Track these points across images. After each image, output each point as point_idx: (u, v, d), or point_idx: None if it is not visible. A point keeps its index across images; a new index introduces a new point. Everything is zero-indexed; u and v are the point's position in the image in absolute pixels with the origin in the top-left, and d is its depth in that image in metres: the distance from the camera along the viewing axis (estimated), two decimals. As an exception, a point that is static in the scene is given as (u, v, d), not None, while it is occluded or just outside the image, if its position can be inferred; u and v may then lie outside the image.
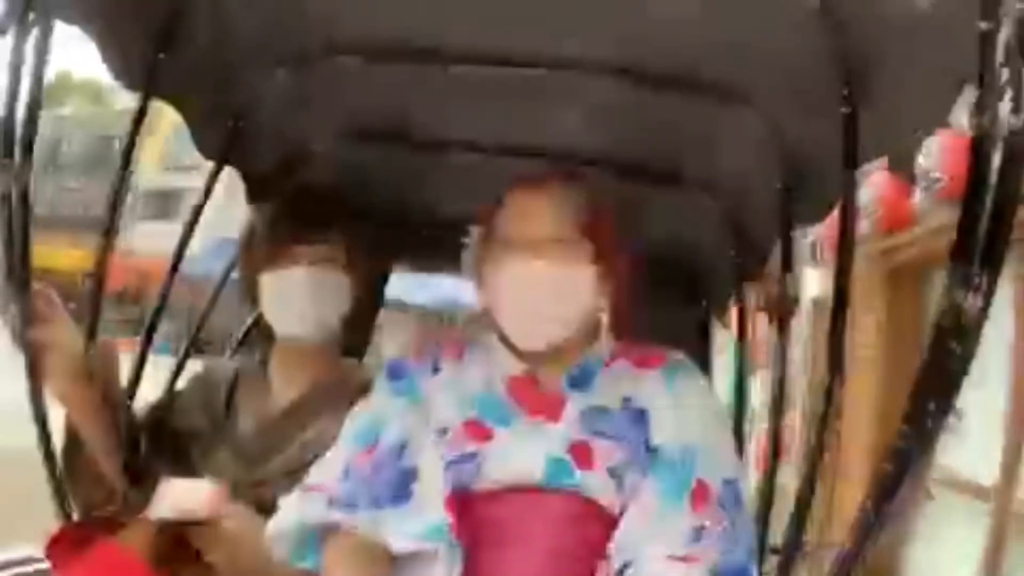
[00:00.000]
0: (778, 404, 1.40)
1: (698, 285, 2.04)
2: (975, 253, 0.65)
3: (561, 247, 1.04)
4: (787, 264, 1.50)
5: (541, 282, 1.03)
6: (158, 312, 1.49)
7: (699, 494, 0.98)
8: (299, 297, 1.29)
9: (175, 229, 1.73)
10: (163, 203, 20.88)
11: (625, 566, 0.95)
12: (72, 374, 1.17)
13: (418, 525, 0.96)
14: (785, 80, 1.26)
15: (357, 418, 1.10)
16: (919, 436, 0.69)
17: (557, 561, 0.99)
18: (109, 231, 1.28)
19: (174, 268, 1.56)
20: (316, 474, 1.06)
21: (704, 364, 2.00)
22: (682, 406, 1.05)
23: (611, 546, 0.97)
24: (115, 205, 1.29)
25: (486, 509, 1.01)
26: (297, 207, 1.36)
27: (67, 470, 1.24)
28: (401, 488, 1.00)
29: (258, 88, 1.49)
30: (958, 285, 0.66)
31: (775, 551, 1.22)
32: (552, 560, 0.99)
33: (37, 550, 1.24)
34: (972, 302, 0.66)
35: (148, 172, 20.46)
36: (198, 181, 1.69)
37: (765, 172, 1.43)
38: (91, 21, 1.14)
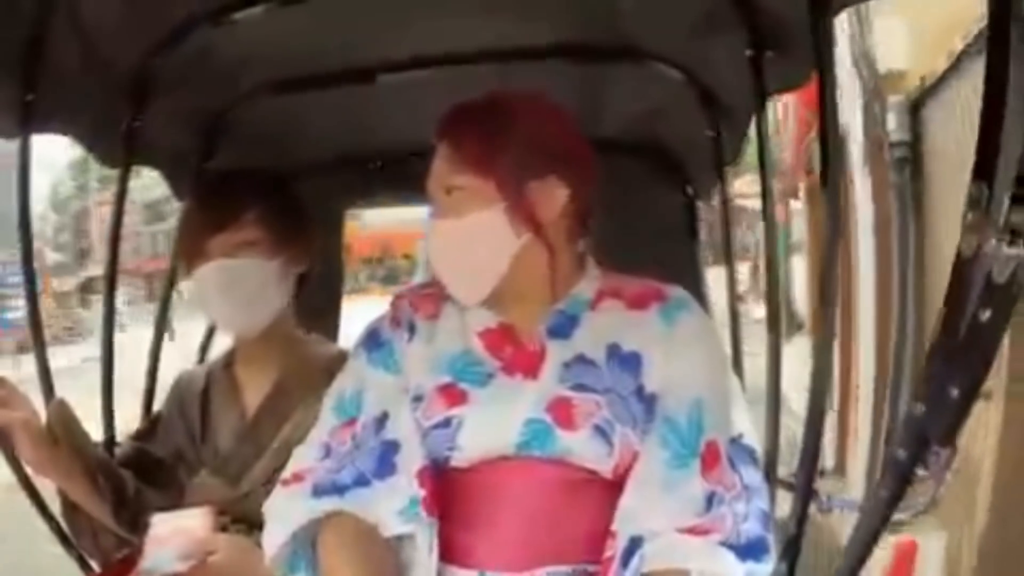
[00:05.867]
0: (775, 322, 1.28)
1: (680, 171, 1.91)
2: (1008, 170, 0.45)
3: (457, 197, 0.95)
4: (763, 139, 1.36)
5: (445, 238, 0.98)
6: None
7: (709, 458, 0.91)
8: (222, 291, 1.22)
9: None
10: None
11: (633, 541, 0.87)
12: (38, 445, 1.15)
13: (398, 502, 0.91)
14: None
15: (336, 391, 1.04)
16: (937, 426, 0.54)
17: (544, 532, 0.91)
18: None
19: (113, 253, 1.47)
20: (296, 460, 1.00)
21: (692, 256, 1.92)
22: (684, 351, 0.96)
23: (615, 519, 0.90)
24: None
25: (465, 480, 0.94)
26: (200, 200, 1.29)
27: (71, 530, 1.25)
28: (384, 462, 0.94)
29: (148, 76, 1.33)
30: (982, 221, 0.46)
31: (787, 485, 1.12)
32: (538, 531, 0.91)
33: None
34: (1007, 251, 0.45)
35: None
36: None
37: (732, 35, 1.26)
38: None
